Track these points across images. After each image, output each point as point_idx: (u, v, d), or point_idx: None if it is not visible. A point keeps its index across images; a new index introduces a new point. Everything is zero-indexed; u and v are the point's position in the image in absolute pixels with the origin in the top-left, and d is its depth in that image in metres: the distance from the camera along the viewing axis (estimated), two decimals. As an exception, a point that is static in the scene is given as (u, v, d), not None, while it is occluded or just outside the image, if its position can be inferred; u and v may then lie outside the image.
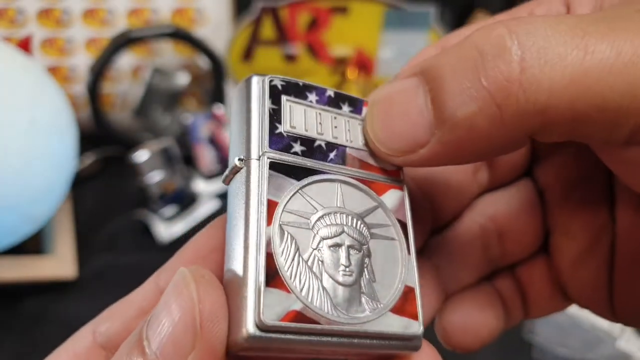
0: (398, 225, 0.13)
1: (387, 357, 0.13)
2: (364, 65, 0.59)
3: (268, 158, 0.12)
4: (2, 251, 0.42)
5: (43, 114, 0.41)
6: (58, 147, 0.42)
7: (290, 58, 0.59)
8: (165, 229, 0.49)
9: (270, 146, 0.12)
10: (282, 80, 0.13)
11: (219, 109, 0.56)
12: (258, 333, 0.10)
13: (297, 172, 0.12)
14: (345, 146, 0.13)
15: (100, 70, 0.52)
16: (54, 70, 0.59)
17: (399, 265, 0.13)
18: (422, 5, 0.55)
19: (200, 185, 0.55)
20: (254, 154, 0.12)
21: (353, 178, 0.13)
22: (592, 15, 0.13)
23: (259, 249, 0.11)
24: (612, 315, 0.18)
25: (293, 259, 0.11)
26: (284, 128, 0.13)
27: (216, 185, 0.56)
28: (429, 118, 0.13)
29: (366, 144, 0.14)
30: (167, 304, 0.12)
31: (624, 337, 0.44)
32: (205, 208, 0.52)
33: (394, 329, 0.12)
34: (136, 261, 0.47)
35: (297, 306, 0.11)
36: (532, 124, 0.12)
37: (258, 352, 0.11)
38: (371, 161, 0.14)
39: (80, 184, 0.54)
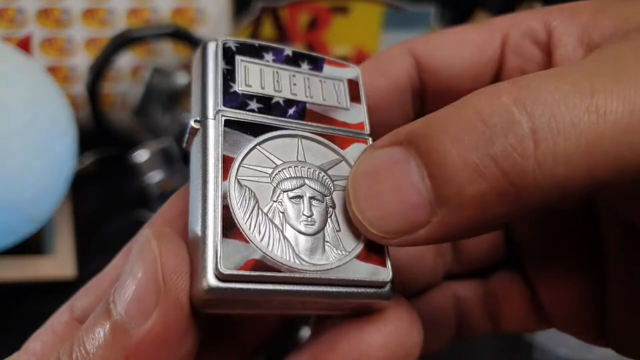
0: None
1: (360, 308, 0.12)
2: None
3: (223, 116, 0.12)
4: (2, 251, 0.42)
5: (42, 113, 0.41)
6: (57, 146, 0.42)
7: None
8: (165, 229, 0.49)
9: (224, 104, 0.12)
10: (237, 42, 0.13)
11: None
12: (218, 284, 0.10)
13: (254, 129, 0.12)
14: (305, 102, 0.13)
15: (99, 70, 0.53)
16: (53, 70, 0.59)
17: None
18: (422, 5, 0.56)
19: (200, 185, 0.55)
20: (210, 114, 0.12)
21: (314, 133, 0.13)
22: (593, 65, 0.12)
23: (216, 203, 0.11)
24: (604, 342, 0.17)
25: (252, 211, 0.11)
26: (238, 87, 0.13)
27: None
28: (428, 196, 0.12)
29: (332, 90, 0.14)
30: (131, 265, 0.12)
31: (624, 337, 0.44)
32: (205, 208, 0.53)
33: (360, 275, 0.12)
34: (136, 261, 0.47)
35: (257, 255, 0.11)
36: (550, 197, 0.11)
37: (221, 306, 0.11)
38: (333, 115, 0.13)
39: (80, 183, 0.54)
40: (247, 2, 0.56)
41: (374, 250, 0.12)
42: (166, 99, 0.59)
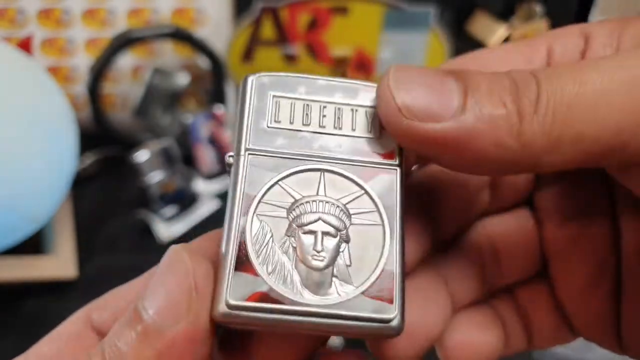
0: (383, 210, 0.13)
1: (369, 336, 0.13)
2: (364, 65, 0.60)
3: (249, 154, 0.13)
4: (2, 251, 0.42)
5: (43, 114, 0.41)
6: (58, 147, 0.42)
7: (290, 58, 0.59)
8: (166, 229, 0.49)
9: (252, 142, 0.13)
10: (271, 76, 0.14)
11: (219, 109, 0.56)
12: (227, 311, 0.12)
13: (277, 165, 0.13)
14: (333, 134, 0.13)
15: (100, 70, 0.53)
16: (54, 71, 0.59)
17: (380, 250, 0.13)
18: (422, 5, 0.56)
19: (201, 185, 0.55)
20: (241, 150, 0.13)
21: (339, 165, 0.13)
22: (608, 56, 0.14)
23: (235, 238, 0.12)
24: (620, 348, 0.17)
25: (265, 246, 0.12)
26: (267, 124, 0.13)
27: (216, 185, 0.56)
28: (457, 100, 0.13)
29: (368, 125, 0.14)
30: (161, 276, 0.13)
31: (624, 337, 0.44)
32: (205, 208, 0.53)
33: (364, 311, 0.12)
34: (136, 261, 0.47)
35: (264, 288, 0.12)
36: (542, 145, 0.13)
37: (234, 326, 0.13)
38: (362, 146, 0.14)
39: (80, 184, 0.54)
40: (247, 3, 0.56)
41: (382, 286, 0.13)
42: (166, 100, 0.59)
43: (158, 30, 0.53)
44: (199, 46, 0.55)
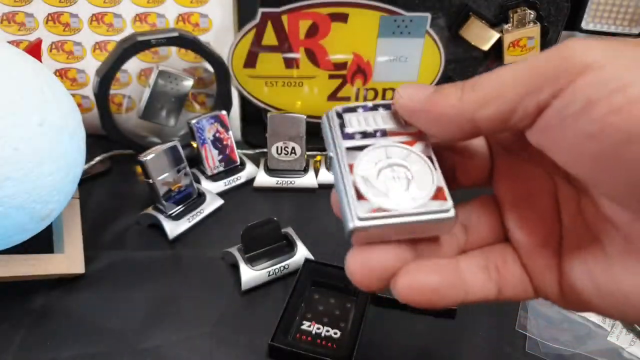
0: (426, 158, 0.22)
1: (436, 229, 0.21)
2: (362, 70, 0.61)
3: (342, 146, 0.22)
4: (12, 248, 0.43)
5: (52, 116, 0.42)
6: (67, 148, 0.43)
7: (291, 64, 0.60)
8: (171, 227, 0.50)
9: (343, 139, 0.22)
10: (342, 108, 0.23)
11: (223, 112, 0.58)
12: (360, 223, 0.20)
13: (361, 148, 0.22)
14: (384, 128, 0.23)
15: (107, 73, 0.54)
16: (62, 74, 0.61)
17: (430, 176, 0.21)
18: (418, 11, 0.57)
19: (205, 185, 0.56)
20: (338, 145, 0.22)
21: (395, 142, 0.22)
22: None
23: (350, 185, 0.21)
24: (563, 302, 0.23)
25: (368, 185, 0.21)
26: (348, 129, 0.22)
27: (220, 185, 0.57)
28: (430, 90, 0.22)
29: (398, 122, 0.23)
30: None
31: (615, 332, 0.45)
32: (210, 206, 0.54)
33: (434, 207, 0.20)
34: (143, 258, 0.48)
35: (374, 206, 0.20)
36: (474, 105, 0.20)
37: (365, 234, 0.20)
38: (402, 131, 0.22)
39: (88, 183, 0.56)
40: (250, 9, 0.57)
41: (440, 194, 0.21)
42: (172, 102, 0.60)
43: (164, 35, 0.54)
44: (204, 51, 0.56)
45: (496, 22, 0.58)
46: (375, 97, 0.63)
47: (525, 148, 0.23)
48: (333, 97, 0.62)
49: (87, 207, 0.53)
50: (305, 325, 0.40)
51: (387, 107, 0.23)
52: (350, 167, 0.21)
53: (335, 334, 0.40)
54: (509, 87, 0.19)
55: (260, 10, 0.57)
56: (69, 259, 0.46)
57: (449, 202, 0.21)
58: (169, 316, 0.43)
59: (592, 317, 0.46)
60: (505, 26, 0.57)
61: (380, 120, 0.23)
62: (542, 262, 0.23)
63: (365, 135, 0.22)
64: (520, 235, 0.24)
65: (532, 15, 0.57)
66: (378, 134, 0.22)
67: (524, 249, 0.24)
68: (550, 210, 0.23)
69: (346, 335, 0.40)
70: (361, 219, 0.19)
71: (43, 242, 0.47)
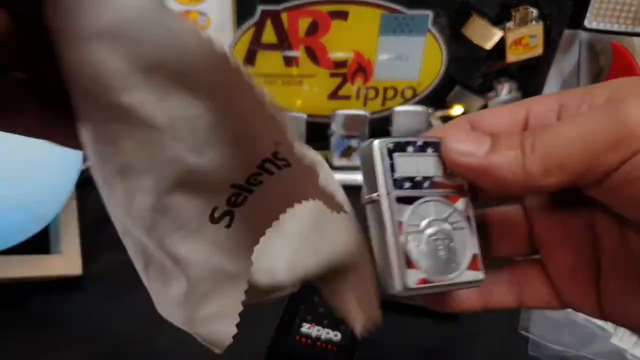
0: (466, 220, 0.22)
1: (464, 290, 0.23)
2: (363, 68, 0.60)
3: (394, 195, 0.21)
4: (9, 250, 0.43)
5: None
6: (64, 148, 0.43)
7: (290, 62, 0.60)
8: (169, 228, 0.50)
9: (393, 186, 0.21)
10: (390, 142, 0.21)
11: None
12: (404, 292, 0.20)
13: (410, 200, 0.21)
14: (432, 176, 0.21)
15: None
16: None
17: (469, 242, 0.22)
18: (419, 9, 0.57)
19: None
20: (383, 192, 0.21)
21: (440, 196, 0.21)
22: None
23: (400, 247, 0.20)
24: (602, 316, 0.23)
25: (418, 250, 0.21)
26: (397, 175, 0.21)
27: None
28: (487, 146, 0.21)
29: (444, 171, 0.22)
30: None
31: (618, 333, 0.45)
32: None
33: (468, 278, 0.21)
34: (141, 259, 0.47)
35: (423, 275, 0.20)
36: (538, 172, 0.20)
37: (409, 295, 0.21)
38: (447, 182, 0.22)
39: (85, 183, 0.55)
40: (249, 7, 0.57)
41: (474, 263, 0.21)
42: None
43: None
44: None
45: (498, 21, 0.57)
46: (376, 96, 0.62)
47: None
48: (333, 95, 0.61)
49: (85, 208, 0.52)
50: (305, 328, 0.40)
51: (435, 147, 0.22)
52: (400, 225, 0.20)
53: (336, 335, 0.40)
54: (572, 156, 0.19)
55: (260, 7, 0.57)
56: (66, 260, 0.46)
57: (481, 274, 0.22)
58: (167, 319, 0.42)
59: (595, 319, 0.45)
60: (508, 24, 0.57)
61: (429, 165, 0.21)
62: (577, 289, 0.23)
63: (414, 184, 0.21)
64: (552, 260, 0.24)
65: (534, 14, 0.57)
66: (426, 183, 0.21)
67: (555, 274, 0.24)
68: (586, 238, 0.23)
69: (347, 337, 0.39)
70: (407, 288, 0.20)
71: (40, 243, 0.46)
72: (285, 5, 0.56)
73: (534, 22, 0.57)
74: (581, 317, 0.45)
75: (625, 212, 0.20)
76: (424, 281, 0.20)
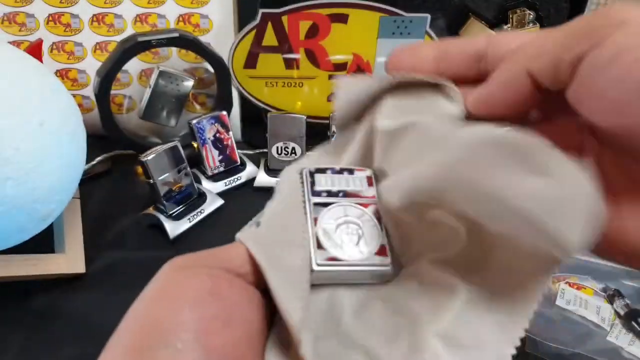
0: (376, 220, 0.25)
1: (374, 276, 0.24)
2: (362, 70, 0.61)
3: (311, 201, 0.25)
4: (14, 248, 0.43)
5: (52, 116, 0.42)
6: (67, 148, 0.43)
7: (291, 64, 0.60)
8: (172, 227, 0.50)
9: (312, 195, 0.26)
10: (314, 168, 0.26)
11: (223, 112, 0.58)
12: (317, 267, 0.23)
13: (326, 205, 0.25)
14: (346, 190, 0.26)
15: (107, 74, 0.54)
16: (63, 74, 0.61)
17: (377, 234, 0.25)
18: (417, 12, 0.57)
19: (206, 185, 0.56)
20: (308, 199, 0.25)
21: (352, 203, 0.26)
22: None
23: (313, 236, 0.24)
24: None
25: (327, 237, 0.24)
26: (317, 187, 0.26)
27: (220, 185, 0.57)
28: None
29: (356, 184, 0.26)
30: None
31: (614, 331, 0.45)
32: (210, 206, 0.54)
33: (375, 262, 0.24)
34: (144, 258, 0.48)
35: (331, 255, 0.24)
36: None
37: (319, 276, 0.23)
38: (360, 194, 0.26)
39: (89, 183, 0.56)
40: (250, 10, 0.57)
41: (382, 250, 0.24)
42: (172, 102, 0.60)
43: (165, 35, 0.54)
44: (204, 51, 0.56)
45: (496, 23, 0.58)
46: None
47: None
48: (333, 97, 0.62)
49: (88, 207, 0.53)
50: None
51: (350, 172, 0.27)
52: (315, 219, 0.25)
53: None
54: (548, 46, 0.20)
55: (261, 11, 0.57)
56: (69, 259, 0.46)
57: (389, 259, 0.25)
58: None
59: (592, 316, 0.46)
60: (505, 27, 0.58)
61: (344, 182, 0.27)
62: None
63: (330, 193, 0.26)
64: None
65: (531, 16, 0.58)
66: (340, 194, 0.26)
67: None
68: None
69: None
70: (319, 265, 0.24)
71: (44, 242, 0.47)
72: (286, 9, 0.57)
73: (531, 25, 0.58)
74: (577, 315, 0.46)
75: (590, 111, 0.19)
76: (333, 259, 0.24)
